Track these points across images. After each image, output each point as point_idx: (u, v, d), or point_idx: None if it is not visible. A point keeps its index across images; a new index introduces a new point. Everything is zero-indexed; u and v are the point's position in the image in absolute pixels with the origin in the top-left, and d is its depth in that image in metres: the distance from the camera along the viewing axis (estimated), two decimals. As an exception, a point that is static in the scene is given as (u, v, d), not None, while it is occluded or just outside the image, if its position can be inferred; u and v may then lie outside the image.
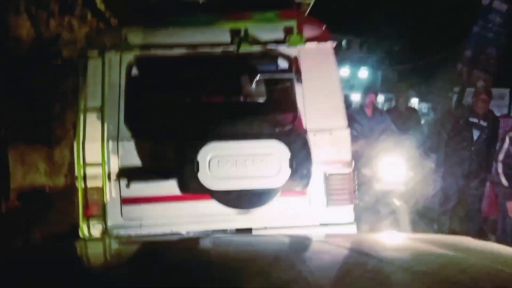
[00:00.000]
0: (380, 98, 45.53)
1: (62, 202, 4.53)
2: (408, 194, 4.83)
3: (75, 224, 4.12)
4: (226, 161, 2.60)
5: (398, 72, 46.24)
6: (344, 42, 50.03)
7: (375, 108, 5.76)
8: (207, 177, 2.58)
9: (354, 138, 4.44)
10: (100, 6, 6.18)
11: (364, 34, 47.44)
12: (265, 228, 2.86)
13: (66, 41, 5.92)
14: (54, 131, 5.21)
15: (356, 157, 3.88)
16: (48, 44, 5.66)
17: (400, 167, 4.70)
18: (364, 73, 43.70)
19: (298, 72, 2.92)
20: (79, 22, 6.03)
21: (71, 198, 4.35)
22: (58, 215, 4.32)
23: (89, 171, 2.76)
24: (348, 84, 40.35)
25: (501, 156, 4.05)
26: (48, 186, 4.92)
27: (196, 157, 2.54)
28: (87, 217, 2.81)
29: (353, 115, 5.36)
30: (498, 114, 7.18)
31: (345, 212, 2.95)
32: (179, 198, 2.77)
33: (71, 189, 4.81)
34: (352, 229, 2.93)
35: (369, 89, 6.22)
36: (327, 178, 2.90)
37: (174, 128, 2.75)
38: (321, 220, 2.94)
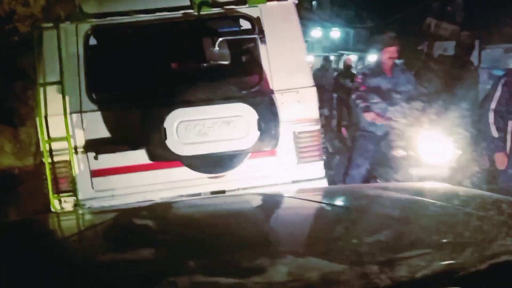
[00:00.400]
0: (353, 57, 45.86)
1: (32, 182, 4.46)
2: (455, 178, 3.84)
3: (47, 203, 4.08)
4: (194, 126, 2.56)
5: (369, 30, 46.29)
6: (314, 3, 49.50)
7: (394, 65, 4.51)
8: (175, 143, 2.54)
9: (377, 108, 4.12)
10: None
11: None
12: (238, 189, 2.89)
13: (22, 16, 5.67)
14: (17, 110, 5.05)
15: (385, 134, 3.81)
16: (2, 21, 5.42)
17: (444, 144, 3.77)
18: (336, 33, 43.46)
19: (261, 33, 2.88)
20: (34, -5, 5.77)
21: (41, 178, 4.30)
22: (29, 195, 4.26)
23: (55, 146, 2.75)
24: (320, 46, 40.28)
25: (493, 104, 3.78)
26: (17, 168, 4.82)
27: (163, 124, 2.50)
28: (58, 193, 2.79)
29: (367, 78, 4.34)
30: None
31: (316, 168, 3.02)
32: (149, 166, 2.76)
33: (40, 168, 4.75)
34: (324, 184, 3.03)
35: (385, 42, 4.56)
36: (296, 136, 2.93)
37: (138, 96, 2.75)
38: (292, 177, 3.00)
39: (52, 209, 2.79)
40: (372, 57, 42.69)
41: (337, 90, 10.03)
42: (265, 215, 1.30)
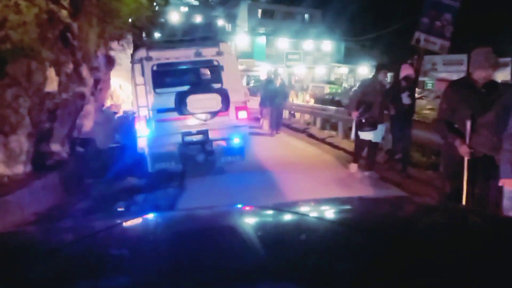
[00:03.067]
0: (344, 70, 46.24)
1: (22, 191, 4.40)
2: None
3: (37, 213, 4.01)
4: (198, 101, 6.01)
5: (361, 43, 46.86)
6: (306, 16, 50.18)
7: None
8: (190, 108, 6.01)
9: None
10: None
11: (326, 6, 47.56)
12: (213, 128, 6.36)
13: (14, 24, 5.67)
14: (8, 118, 5.00)
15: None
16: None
17: None
18: (327, 45, 44.09)
19: (224, 67, 6.47)
20: (27, 3, 5.78)
21: (31, 186, 4.21)
22: (18, 204, 4.21)
23: (141, 110, 6.15)
24: (311, 57, 40.71)
25: None
26: (7, 176, 4.76)
27: (185, 101, 5.96)
28: (139, 130, 6.31)
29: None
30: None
31: (243, 121, 6.51)
32: (179, 117, 6.18)
33: (31, 176, 4.67)
34: (246, 128, 6.69)
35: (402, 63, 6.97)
36: (235, 107, 6.38)
37: (175, 90, 6.17)
38: (234, 124, 6.41)
39: None
40: (362, 70, 42.70)
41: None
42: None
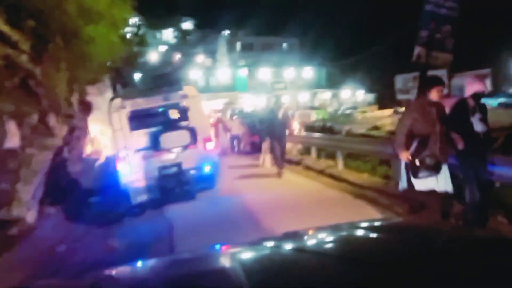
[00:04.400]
0: (327, 94, 46.34)
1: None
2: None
3: None
4: (170, 138, 6.88)
5: (341, 66, 47.27)
6: (285, 45, 50.64)
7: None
8: (163, 144, 6.85)
9: None
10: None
11: (303, 34, 48.16)
12: (185, 160, 7.06)
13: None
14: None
15: None
16: None
17: None
18: (308, 72, 44.23)
19: (189, 107, 7.23)
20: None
21: None
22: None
23: (121, 152, 6.87)
24: (294, 85, 40.65)
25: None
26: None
27: (159, 139, 6.86)
28: (120, 168, 6.99)
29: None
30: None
31: (211, 151, 7.40)
32: (155, 154, 6.93)
33: None
34: (216, 156, 7.91)
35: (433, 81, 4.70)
36: (203, 139, 7.17)
37: (150, 132, 7.00)
38: (203, 154, 7.17)
39: None
40: (345, 93, 42.64)
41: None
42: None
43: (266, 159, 9.41)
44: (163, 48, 47.15)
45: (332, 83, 47.22)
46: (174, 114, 7.23)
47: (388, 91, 44.76)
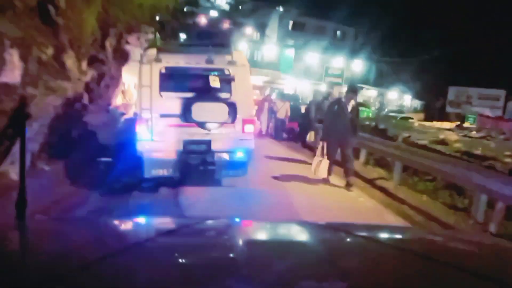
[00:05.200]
0: (373, 92, 44.19)
1: None
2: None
3: None
4: (204, 109, 5.77)
5: (392, 65, 44.84)
6: (338, 32, 48.35)
7: None
8: (195, 115, 5.72)
9: None
10: None
11: (359, 23, 45.75)
12: (216, 139, 5.97)
13: None
14: None
15: None
16: None
17: None
18: (358, 65, 41.94)
19: (234, 77, 6.04)
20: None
21: None
22: None
23: (143, 112, 5.78)
24: (341, 75, 38.60)
25: None
26: None
27: (190, 108, 5.70)
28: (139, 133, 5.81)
29: None
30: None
31: (249, 134, 6.12)
32: (183, 125, 5.81)
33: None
34: (252, 142, 6.16)
35: None
36: (242, 120, 5.99)
37: (181, 96, 5.82)
38: (239, 137, 6.03)
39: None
40: (392, 95, 40.23)
41: None
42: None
43: (321, 165, 6.75)
44: (214, 13, 45.83)
45: (380, 81, 45.16)
46: (215, 82, 6.01)
47: (437, 101, 42.41)
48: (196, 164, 5.87)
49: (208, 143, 5.88)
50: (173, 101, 5.72)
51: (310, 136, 12.84)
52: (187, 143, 5.81)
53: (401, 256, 1.21)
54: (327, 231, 1.51)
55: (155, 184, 5.91)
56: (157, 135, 5.72)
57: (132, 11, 8.26)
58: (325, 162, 6.69)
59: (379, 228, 1.95)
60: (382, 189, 6.60)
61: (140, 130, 5.71)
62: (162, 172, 5.81)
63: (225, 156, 6.00)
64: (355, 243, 1.40)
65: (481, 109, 40.09)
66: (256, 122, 15.14)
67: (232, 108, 5.73)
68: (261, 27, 44.14)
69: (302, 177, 7.08)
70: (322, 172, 6.69)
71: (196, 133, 5.81)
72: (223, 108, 5.71)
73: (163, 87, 5.75)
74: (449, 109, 45.52)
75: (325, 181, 6.76)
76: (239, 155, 6.02)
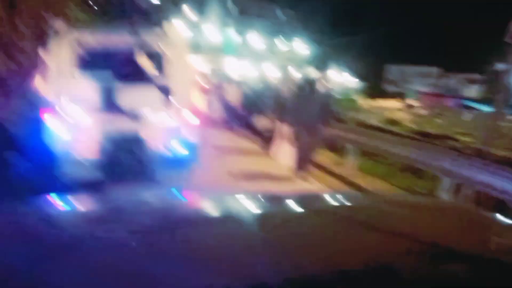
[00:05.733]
0: (315, 74, 44.56)
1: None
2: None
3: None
4: (130, 94, 4.88)
5: (332, 46, 45.41)
6: (280, 14, 47.98)
7: None
8: (119, 101, 4.78)
9: None
10: None
11: (300, 6, 45.74)
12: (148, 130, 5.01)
13: None
14: None
15: None
16: None
17: None
18: (299, 47, 41.85)
19: (168, 56, 5.12)
20: None
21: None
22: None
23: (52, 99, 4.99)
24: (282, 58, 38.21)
25: None
26: None
27: (113, 92, 4.68)
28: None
29: None
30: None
31: (191, 124, 5.19)
32: (104, 113, 4.86)
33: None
34: (195, 133, 5.17)
35: None
36: (181, 106, 5.10)
37: (102, 80, 4.84)
38: (177, 126, 5.10)
39: None
40: (333, 76, 40.72)
41: None
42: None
43: (284, 150, 6.26)
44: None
45: (320, 62, 45.66)
46: (144, 62, 5.14)
47: (378, 81, 43.63)
48: (124, 163, 4.87)
49: (138, 135, 4.93)
50: (92, 86, 4.77)
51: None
52: (112, 136, 4.85)
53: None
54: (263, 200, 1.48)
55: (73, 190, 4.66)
56: (74, 126, 4.78)
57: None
58: (288, 148, 6.01)
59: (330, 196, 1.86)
60: (339, 177, 6.16)
61: (52, 122, 4.74)
62: (80, 172, 4.79)
63: (160, 151, 5.04)
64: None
65: (417, 86, 41.95)
66: (205, 110, 14.21)
67: (166, 91, 4.86)
68: (201, 9, 42.62)
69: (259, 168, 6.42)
70: (284, 158, 6.04)
71: (123, 125, 4.85)
72: (155, 93, 4.79)
73: (77, 67, 4.84)
74: (387, 87, 47.25)
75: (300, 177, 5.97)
76: (179, 148, 5.13)
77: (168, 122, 5.03)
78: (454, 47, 43.08)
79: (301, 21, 45.80)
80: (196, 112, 5.46)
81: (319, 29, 43.42)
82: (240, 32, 38.38)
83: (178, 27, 5.48)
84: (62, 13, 9.52)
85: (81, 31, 4.89)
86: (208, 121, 12.47)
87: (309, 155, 5.91)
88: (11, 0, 7.09)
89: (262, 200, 1.48)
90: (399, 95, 35.42)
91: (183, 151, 5.15)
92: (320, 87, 5.99)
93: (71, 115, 4.77)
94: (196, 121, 5.25)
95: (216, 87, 13.28)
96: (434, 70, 44.73)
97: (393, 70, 44.58)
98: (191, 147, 5.20)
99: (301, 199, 1.56)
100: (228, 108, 12.53)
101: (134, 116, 4.85)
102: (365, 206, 1.52)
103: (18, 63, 8.22)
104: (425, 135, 7.01)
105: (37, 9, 8.90)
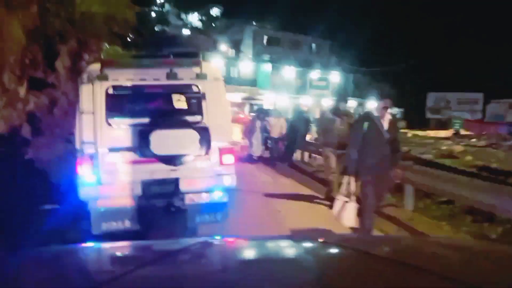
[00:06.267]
0: (353, 103, 43.78)
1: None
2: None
3: None
4: (165, 140, 4.37)
5: (370, 75, 44.62)
6: (313, 46, 47.92)
7: None
8: (155, 147, 4.30)
9: None
10: None
11: (334, 37, 45.73)
12: (186, 177, 4.61)
13: None
14: None
15: None
16: None
17: None
18: (335, 76, 41.36)
19: (204, 94, 4.74)
20: None
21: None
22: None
23: (86, 147, 4.40)
24: (327, 87, 37.72)
25: None
26: None
27: (148, 137, 4.28)
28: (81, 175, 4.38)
29: None
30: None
31: (229, 167, 4.75)
32: (141, 161, 4.46)
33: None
34: (233, 177, 4.77)
35: None
36: (219, 149, 4.69)
37: (136, 124, 4.49)
38: (216, 172, 4.70)
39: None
40: (371, 104, 39.76)
41: None
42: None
43: (347, 209, 4.87)
44: (186, 32, 44.80)
45: (358, 91, 45.03)
46: (180, 102, 4.88)
47: (417, 109, 42.18)
48: (161, 211, 4.54)
49: (175, 182, 4.55)
50: (125, 130, 4.43)
51: (297, 156, 11.63)
52: (147, 184, 4.49)
53: (395, 267, 1.19)
54: (318, 246, 1.48)
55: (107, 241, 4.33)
56: (106, 176, 4.38)
57: (81, 23, 7.02)
58: (352, 205, 4.83)
59: (373, 240, 1.94)
60: (395, 220, 5.41)
61: (83, 172, 4.36)
62: (117, 225, 4.49)
63: (199, 198, 4.68)
64: (347, 256, 1.37)
65: (461, 114, 40.08)
66: (244, 144, 13.40)
67: (205, 134, 4.43)
68: (236, 44, 43.37)
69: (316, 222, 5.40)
70: (348, 219, 4.83)
71: (159, 171, 4.50)
72: (193, 136, 4.41)
73: (111, 113, 4.46)
74: (429, 115, 45.45)
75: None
76: (218, 195, 4.72)
77: (205, 167, 4.66)
78: (496, 72, 41.38)
79: (337, 52, 45.68)
80: (236, 151, 5.22)
81: (355, 58, 43.13)
82: (274, 64, 38.57)
83: (215, 63, 5.01)
84: (97, 51, 9.54)
85: (115, 71, 4.52)
86: (249, 158, 11.87)
87: (377, 207, 5.05)
88: (50, 44, 7.10)
89: (312, 245, 1.48)
90: (444, 124, 33.84)
91: (220, 197, 4.73)
92: (384, 120, 4.83)
93: (105, 162, 4.41)
94: (232, 163, 4.82)
95: (260, 119, 12.31)
96: (479, 96, 42.71)
97: (435, 97, 42.96)
98: (227, 192, 4.78)
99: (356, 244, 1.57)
100: (270, 143, 11.77)
101: (170, 161, 4.47)
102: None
103: (60, 105, 8.18)
104: (491, 171, 6.19)
105: (75, 50, 8.96)
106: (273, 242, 1.62)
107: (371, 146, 4.75)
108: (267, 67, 38.14)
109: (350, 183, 4.85)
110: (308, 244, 1.47)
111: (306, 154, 11.60)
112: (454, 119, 30.20)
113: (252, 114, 14.96)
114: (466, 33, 41.12)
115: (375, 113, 4.95)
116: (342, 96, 6.91)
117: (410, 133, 15.18)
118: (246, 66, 37.37)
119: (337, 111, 7.07)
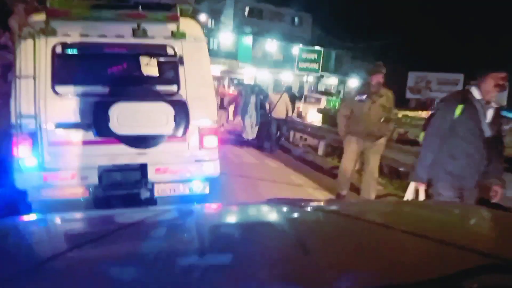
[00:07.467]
0: (333, 80, 43.12)
1: None
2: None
3: None
4: (129, 115, 3.50)
5: (352, 52, 44.00)
6: (296, 19, 46.76)
7: None
8: (116, 125, 3.47)
9: None
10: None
11: (317, 10, 44.68)
12: (156, 163, 3.82)
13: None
14: None
15: None
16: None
17: None
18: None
19: (181, 58, 3.91)
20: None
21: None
22: None
23: (25, 122, 3.52)
24: (318, 60, 36.81)
25: None
26: None
27: (108, 112, 3.43)
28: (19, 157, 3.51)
29: None
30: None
31: (212, 152, 3.98)
32: (97, 142, 3.63)
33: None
34: (217, 164, 4.00)
35: None
36: (200, 129, 3.92)
37: (92, 93, 3.65)
38: (196, 158, 3.94)
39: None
40: (353, 82, 38.65)
41: None
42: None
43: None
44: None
45: (339, 68, 44.45)
46: (150, 67, 4.07)
47: (398, 88, 42.02)
48: (123, 205, 3.76)
49: (141, 169, 3.77)
50: (77, 102, 3.59)
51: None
52: (105, 170, 3.69)
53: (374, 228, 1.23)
54: (299, 210, 1.51)
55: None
56: (52, 160, 3.54)
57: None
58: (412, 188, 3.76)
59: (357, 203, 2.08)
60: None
61: (21, 153, 3.48)
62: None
63: (173, 190, 3.88)
64: (328, 219, 1.41)
65: (441, 94, 40.05)
66: (236, 121, 11.62)
67: (181, 109, 3.63)
68: (216, 13, 41.73)
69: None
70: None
71: (120, 155, 3.72)
72: (166, 111, 3.59)
73: (59, 78, 3.61)
74: (409, 95, 45.35)
75: None
76: (196, 185, 3.92)
77: (181, 151, 3.89)
78: (478, 53, 41.35)
79: (320, 26, 44.69)
80: (219, 131, 4.50)
81: (338, 34, 42.28)
82: (255, 37, 37.34)
83: (197, 23, 3.96)
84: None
85: (66, 24, 3.55)
86: (235, 139, 10.64)
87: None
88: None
89: (286, 209, 1.51)
90: (423, 104, 33.68)
91: (200, 189, 3.96)
92: (489, 108, 3.37)
93: (51, 141, 3.52)
94: (216, 147, 4.09)
95: (249, 96, 10.50)
96: (459, 76, 42.67)
97: (416, 77, 42.67)
98: (209, 183, 4.02)
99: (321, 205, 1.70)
100: (273, 122, 9.97)
101: (136, 142, 3.64)
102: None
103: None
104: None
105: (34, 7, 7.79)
106: (253, 207, 1.62)
107: (463, 145, 3.27)
108: (248, 39, 36.89)
109: (419, 194, 3.49)
110: (288, 209, 1.50)
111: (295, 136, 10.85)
112: (435, 99, 30.02)
113: (235, 88, 13.91)
114: (449, 14, 40.91)
115: (474, 93, 3.31)
116: (376, 67, 5.27)
117: (400, 113, 14.67)
118: (226, 37, 35.95)
119: (366, 91, 5.52)
